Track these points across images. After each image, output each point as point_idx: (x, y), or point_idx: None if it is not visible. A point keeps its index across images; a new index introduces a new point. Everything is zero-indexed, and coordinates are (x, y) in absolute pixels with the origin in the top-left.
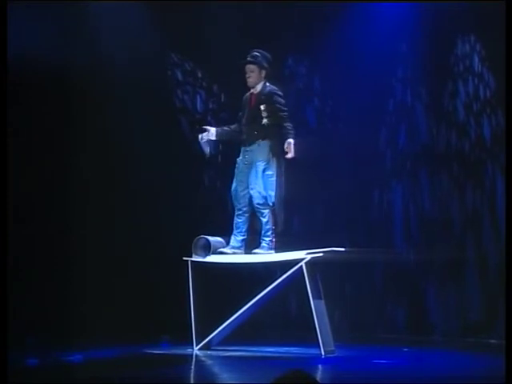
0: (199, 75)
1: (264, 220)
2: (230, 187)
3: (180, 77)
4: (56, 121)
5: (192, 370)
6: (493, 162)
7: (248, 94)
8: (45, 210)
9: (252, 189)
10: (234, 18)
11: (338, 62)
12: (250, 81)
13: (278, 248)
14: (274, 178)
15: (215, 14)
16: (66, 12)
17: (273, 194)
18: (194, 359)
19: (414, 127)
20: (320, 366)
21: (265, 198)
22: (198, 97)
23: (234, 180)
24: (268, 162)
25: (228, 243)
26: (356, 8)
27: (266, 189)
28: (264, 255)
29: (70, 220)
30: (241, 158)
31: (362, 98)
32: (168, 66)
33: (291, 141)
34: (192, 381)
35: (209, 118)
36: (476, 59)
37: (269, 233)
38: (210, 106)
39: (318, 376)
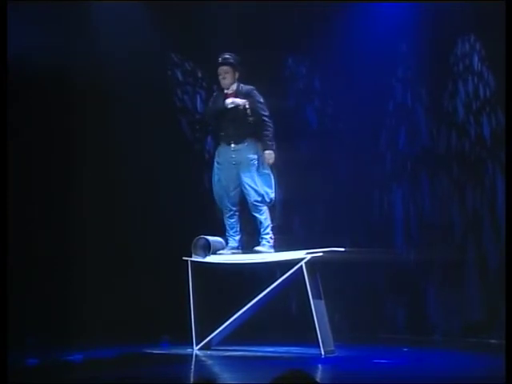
0: (199, 75)
1: (262, 217)
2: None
3: (180, 77)
4: (56, 121)
5: (192, 370)
6: (493, 161)
7: (218, 94)
8: (45, 210)
9: (246, 187)
10: (234, 18)
11: (338, 61)
12: (225, 82)
13: (278, 247)
14: (270, 175)
15: (215, 14)
16: (66, 12)
17: (270, 190)
18: (194, 359)
19: (414, 127)
20: (320, 366)
21: (262, 195)
22: (198, 97)
23: (218, 181)
24: (259, 160)
25: (226, 244)
26: (356, 8)
27: (262, 186)
28: (264, 254)
29: (70, 220)
30: (224, 157)
31: (362, 98)
32: (168, 66)
33: (269, 152)
34: (192, 381)
35: None
36: (476, 59)
37: (268, 229)
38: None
39: (318, 376)
